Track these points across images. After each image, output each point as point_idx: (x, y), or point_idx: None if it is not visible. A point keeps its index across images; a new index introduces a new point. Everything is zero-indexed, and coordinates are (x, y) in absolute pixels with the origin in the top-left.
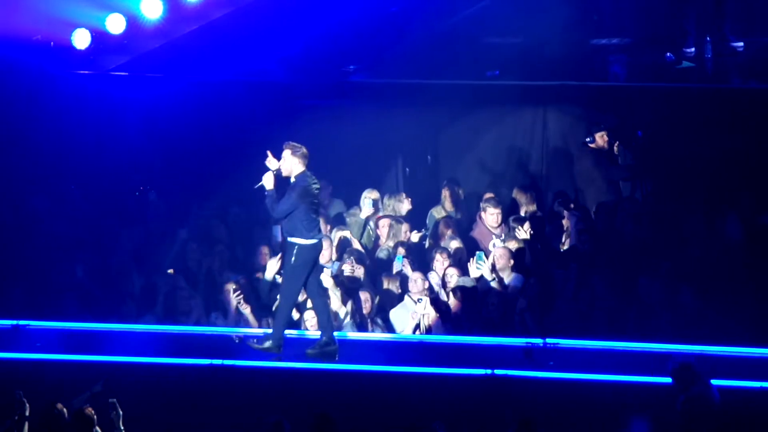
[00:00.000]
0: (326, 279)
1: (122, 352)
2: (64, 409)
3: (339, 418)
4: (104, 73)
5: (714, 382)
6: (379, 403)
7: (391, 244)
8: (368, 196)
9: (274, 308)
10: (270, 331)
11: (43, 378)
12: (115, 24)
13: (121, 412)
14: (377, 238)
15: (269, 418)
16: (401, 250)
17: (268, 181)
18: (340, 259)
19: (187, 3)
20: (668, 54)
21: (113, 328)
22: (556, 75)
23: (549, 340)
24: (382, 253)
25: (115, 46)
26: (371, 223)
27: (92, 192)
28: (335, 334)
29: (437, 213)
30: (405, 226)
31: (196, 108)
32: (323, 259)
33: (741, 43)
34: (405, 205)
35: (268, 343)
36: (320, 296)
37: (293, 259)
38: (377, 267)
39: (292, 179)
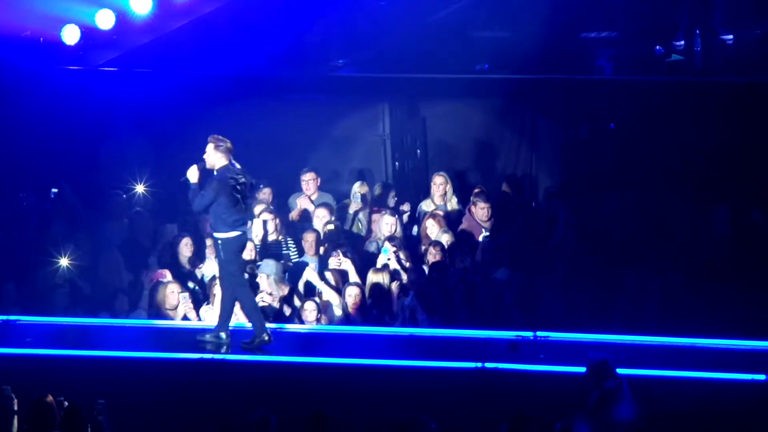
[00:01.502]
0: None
1: (111, 347)
2: (54, 402)
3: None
4: (94, 68)
5: (706, 375)
6: (369, 396)
7: (381, 236)
8: (358, 191)
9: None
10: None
11: (33, 373)
12: (105, 19)
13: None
14: (369, 231)
15: (256, 412)
16: (387, 243)
17: (192, 175)
18: (328, 252)
19: None
20: (657, 47)
21: (103, 323)
22: (545, 68)
23: (539, 333)
24: (371, 246)
25: (105, 42)
26: (361, 216)
27: (81, 187)
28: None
29: (426, 206)
30: (390, 219)
31: (186, 103)
32: (310, 251)
33: (730, 36)
34: (391, 198)
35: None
36: (229, 291)
37: (222, 254)
38: (366, 260)
39: (215, 173)
